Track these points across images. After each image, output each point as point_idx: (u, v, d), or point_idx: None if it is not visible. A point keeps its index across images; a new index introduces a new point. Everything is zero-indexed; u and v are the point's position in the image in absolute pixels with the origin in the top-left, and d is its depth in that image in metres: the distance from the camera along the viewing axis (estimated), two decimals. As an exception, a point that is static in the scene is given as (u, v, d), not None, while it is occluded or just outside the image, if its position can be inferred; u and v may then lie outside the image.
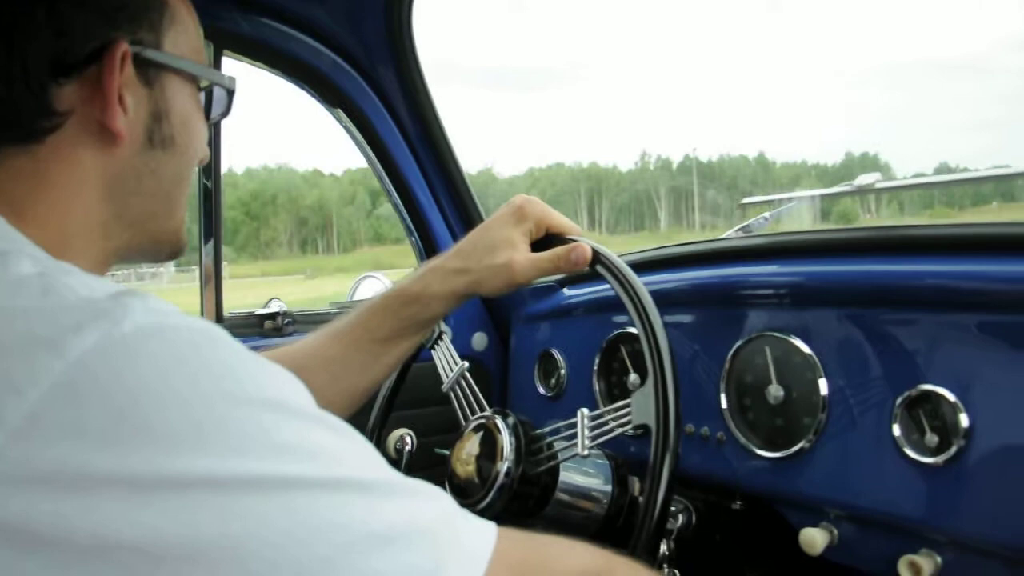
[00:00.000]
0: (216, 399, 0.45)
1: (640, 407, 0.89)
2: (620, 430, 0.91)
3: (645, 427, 0.88)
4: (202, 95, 0.76)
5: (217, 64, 1.42)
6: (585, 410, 0.96)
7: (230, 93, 0.80)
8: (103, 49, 0.62)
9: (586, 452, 0.93)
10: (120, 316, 0.46)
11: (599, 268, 0.98)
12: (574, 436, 0.95)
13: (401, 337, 1.05)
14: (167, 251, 0.76)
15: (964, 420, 0.93)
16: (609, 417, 0.93)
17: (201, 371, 0.46)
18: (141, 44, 0.65)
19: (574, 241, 1.00)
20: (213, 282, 1.47)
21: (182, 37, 0.70)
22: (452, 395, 1.13)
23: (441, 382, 1.15)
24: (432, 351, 1.17)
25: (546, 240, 1.03)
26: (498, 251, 1.01)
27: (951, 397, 0.94)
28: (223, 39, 1.43)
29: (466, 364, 1.13)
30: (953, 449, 0.93)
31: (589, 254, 0.98)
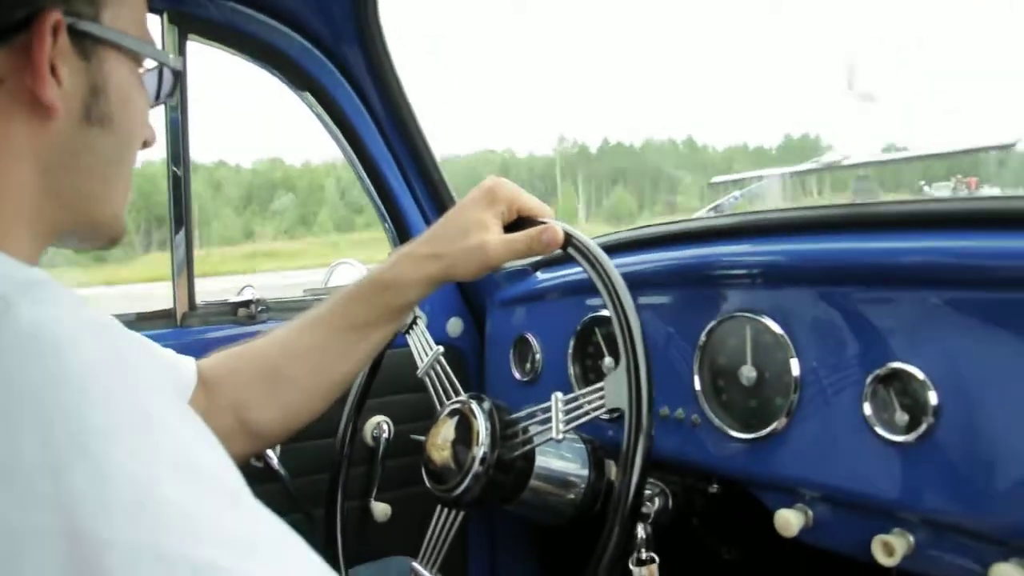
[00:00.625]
0: (59, 427, 0.44)
1: (613, 390, 0.89)
2: (594, 414, 0.91)
3: (618, 410, 0.88)
4: (148, 75, 0.74)
5: (182, 49, 1.40)
6: (559, 394, 0.96)
7: (175, 73, 0.77)
8: (32, 17, 0.59)
9: (560, 436, 0.93)
10: (2, 316, 0.46)
11: (570, 250, 0.98)
12: (549, 420, 0.95)
13: (377, 325, 1.04)
14: (105, 237, 0.73)
15: (933, 398, 0.93)
16: (583, 401, 0.93)
17: (57, 391, 0.45)
18: (77, 15, 0.63)
19: (545, 223, 1.00)
20: (185, 270, 1.46)
21: (123, 11, 0.68)
22: (427, 380, 1.13)
23: (417, 368, 1.15)
24: (407, 336, 1.17)
25: (518, 223, 1.03)
26: (470, 234, 1.00)
27: (920, 375, 0.95)
28: (188, 23, 1.40)
29: (441, 349, 1.13)
30: (923, 427, 0.94)
31: (561, 235, 0.98)
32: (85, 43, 0.64)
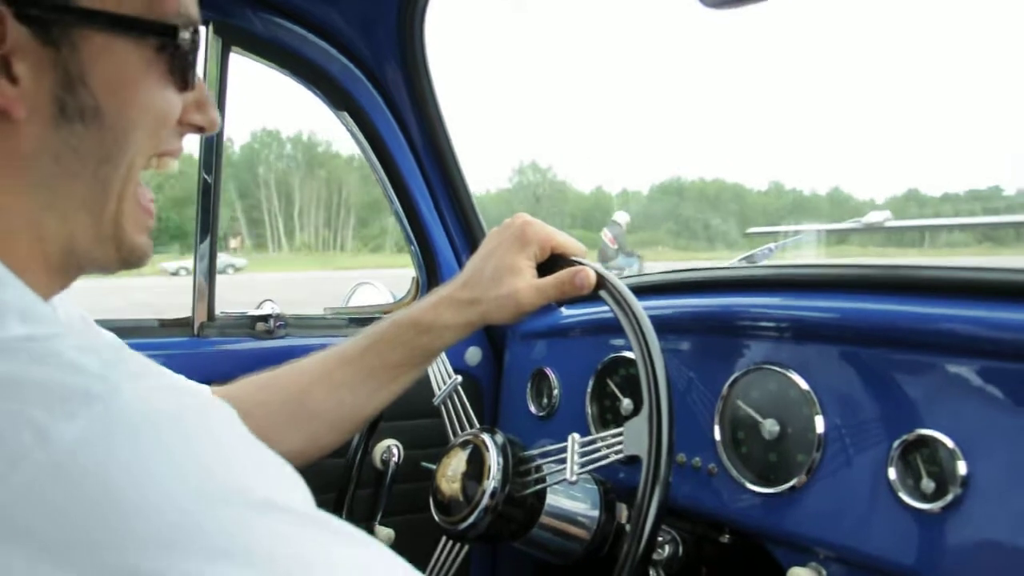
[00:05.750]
0: (200, 499, 0.43)
1: (632, 438, 0.87)
2: (611, 459, 0.89)
3: (636, 458, 0.86)
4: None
5: (224, 61, 1.41)
6: (576, 435, 0.94)
7: (193, 48, 0.63)
8: None
9: (574, 478, 0.92)
10: (109, 397, 0.43)
11: (602, 293, 0.96)
12: (563, 461, 0.93)
13: (410, 366, 1.03)
14: (113, 254, 0.63)
15: (962, 468, 0.91)
16: (600, 444, 0.91)
17: (188, 466, 0.43)
18: (31, 2, 0.53)
19: (579, 263, 0.98)
20: (207, 281, 1.45)
21: None
22: (443, 409, 1.12)
23: (432, 394, 1.13)
24: None
25: (552, 260, 1.02)
26: (503, 281, 0.99)
27: (950, 443, 0.92)
28: (233, 35, 1.41)
29: (459, 378, 1.12)
30: (949, 496, 0.91)
31: (593, 278, 0.96)
32: (51, 28, 0.54)
